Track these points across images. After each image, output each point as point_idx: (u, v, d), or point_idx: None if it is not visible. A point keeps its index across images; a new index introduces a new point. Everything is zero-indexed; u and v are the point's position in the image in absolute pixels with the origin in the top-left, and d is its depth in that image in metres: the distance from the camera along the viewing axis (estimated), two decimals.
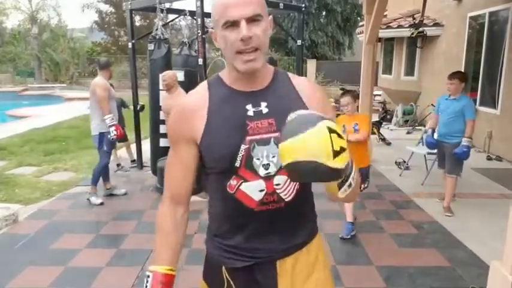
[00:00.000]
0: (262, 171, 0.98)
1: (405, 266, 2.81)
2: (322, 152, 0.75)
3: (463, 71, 7.19)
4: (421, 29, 7.78)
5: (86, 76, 19.57)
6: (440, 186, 4.19)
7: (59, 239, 3.22)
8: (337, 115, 3.46)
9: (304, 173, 0.79)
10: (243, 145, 0.97)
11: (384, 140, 7.08)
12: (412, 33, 7.88)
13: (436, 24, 8.31)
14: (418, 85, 9.35)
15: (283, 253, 1.05)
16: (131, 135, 5.35)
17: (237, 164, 0.98)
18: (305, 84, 1.08)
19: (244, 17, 0.92)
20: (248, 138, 0.98)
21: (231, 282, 1.06)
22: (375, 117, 7.80)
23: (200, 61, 4.11)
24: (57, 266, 2.78)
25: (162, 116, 4.45)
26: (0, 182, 4.70)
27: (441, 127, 3.81)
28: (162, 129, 4.56)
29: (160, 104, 4.41)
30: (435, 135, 3.90)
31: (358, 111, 3.66)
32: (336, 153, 0.76)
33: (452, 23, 7.84)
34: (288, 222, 1.04)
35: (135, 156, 5.40)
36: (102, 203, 3.98)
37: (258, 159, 0.98)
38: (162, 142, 4.69)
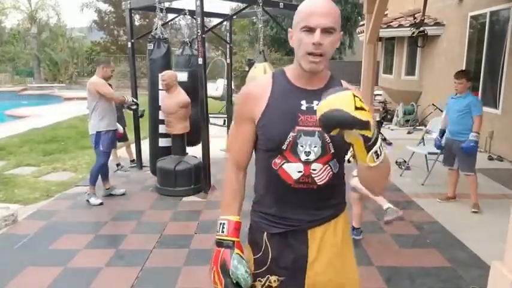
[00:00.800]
0: (303, 157, 1.17)
1: (406, 267, 2.80)
2: (346, 104, 0.96)
3: (465, 69, 7.21)
4: (422, 29, 7.77)
5: (85, 76, 19.54)
6: (441, 186, 4.18)
7: (58, 239, 3.21)
8: None
9: (333, 119, 0.97)
10: (291, 132, 1.16)
11: (384, 140, 7.06)
12: (413, 33, 7.87)
13: (437, 24, 8.29)
14: (418, 85, 9.34)
15: (309, 224, 1.23)
16: (131, 135, 5.34)
17: (284, 146, 1.17)
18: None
19: (321, 26, 1.10)
20: (297, 128, 1.16)
21: (268, 245, 1.26)
22: (376, 117, 7.78)
23: (200, 61, 4.10)
24: (57, 266, 2.77)
25: (161, 115, 4.43)
26: None
27: (451, 125, 3.90)
28: (162, 129, 4.54)
29: (160, 104, 4.39)
30: (436, 135, 3.91)
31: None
32: (357, 108, 0.96)
33: (453, 23, 7.82)
34: (316, 202, 1.22)
35: (134, 156, 5.39)
36: (101, 203, 3.97)
37: (302, 146, 1.17)
38: (162, 142, 4.68)
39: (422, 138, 5.26)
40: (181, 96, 4.16)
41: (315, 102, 1.15)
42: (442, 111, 7.19)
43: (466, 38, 7.15)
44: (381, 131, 7.22)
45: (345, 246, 1.29)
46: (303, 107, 1.18)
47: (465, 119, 3.75)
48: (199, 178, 4.32)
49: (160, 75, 4.28)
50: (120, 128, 4.65)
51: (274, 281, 1.26)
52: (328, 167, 1.19)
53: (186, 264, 2.83)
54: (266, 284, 1.27)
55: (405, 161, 5.24)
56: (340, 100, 0.97)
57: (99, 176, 4.19)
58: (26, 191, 4.40)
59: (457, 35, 7.59)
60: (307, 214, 1.23)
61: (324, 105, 0.98)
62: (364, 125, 0.97)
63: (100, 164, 4.02)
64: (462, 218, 3.70)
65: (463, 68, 7.23)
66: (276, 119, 1.18)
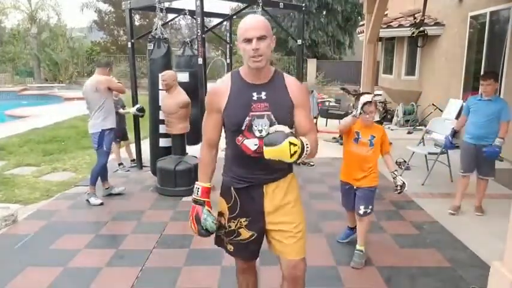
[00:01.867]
0: (257, 134, 1.61)
1: (406, 267, 2.81)
2: (285, 156, 1.43)
3: (464, 69, 7.20)
4: (421, 29, 7.78)
5: (85, 76, 19.52)
6: (440, 186, 4.18)
7: (58, 239, 3.21)
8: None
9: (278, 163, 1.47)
10: (247, 117, 1.61)
11: None
12: (413, 33, 7.88)
13: (437, 24, 8.30)
14: (418, 85, 9.34)
15: (264, 181, 1.70)
16: (131, 135, 5.34)
17: (243, 127, 1.62)
18: (292, 83, 1.68)
19: (255, 36, 1.52)
20: (251, 113, 1.61)
21: (237, 197, 1.74)
22: (376, 117, 7.78)
23: (200, 60, 4.10)
24: (57, 267, 2.77)
25: (161, 116, 4.44)
26: None
27: (477, 129, 3.66)
28: (162, 129, 4.54)
29: (160, 104, 4.39)
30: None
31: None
32: (292, 155, 1.43)
33: (453, 23, 7.82)
34: (268, 166, 1.55)
35: (134, 156, 5.39)
36: (101, 204, 3.97)
37: (255, 126, 1.61)
38: (162, 142, 4.68)
39: (422, 138, 5.26)
40: (182, 96, 4.16)
41: (263, 93, 1.61)
42: (442, 111, 7.21)
43: (466, 38, 7.15)
44: None
45: (290, 198, 1.74)
46: (254, 98, 1.61)
47: (494, 123, 3.57)
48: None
49: (160, 75, 4.28)
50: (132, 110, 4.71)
51: (244, 221, 1.75)
52: None
53: (186, 264, 2.84)
54: (238, 224, 1.75)
55: (405, 161, 5.24)
56: (280, 154, 1.42)
57: (100, 177, 4.20)
58: (26, 191, 4.41)
59: (457, 35, 7.59)
60: (262, 174, 1.67)
61: (270, 152, 1.44)
62: (296, 161, 1.47)
63: (102, 164, 4.01)
64: (462, 218, 3.70)
65: (463, 68, 7.25)
66: (235, 109, 1.62)
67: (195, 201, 1.74)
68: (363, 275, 2.72)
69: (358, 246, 2.88)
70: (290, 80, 1.68)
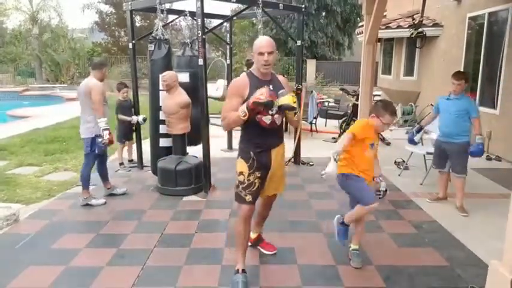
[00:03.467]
0: (270, 112, 2.38)
1: (404, 266, 2.83)
2: (291, 101, 2.32)
3: (462, 70, 7.23)
4: (420, 30, 7.79)
5: (87, 76, 19.52)
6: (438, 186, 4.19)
7: (59, 239, 3.23)
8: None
9: (285, 107, 2.34)
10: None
11: (383, 140, 7.09)
12: (412, 34, 7.89)
13: (436, 25, 8.33)
14: (417, 85, 9.37)
15: (272, 146, 2.54)
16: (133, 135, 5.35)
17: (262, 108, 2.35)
18: (282, 79, 2.59)
19: (267, 51, 2.36)
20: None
21: (255, 158, 2.48)
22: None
23: (200, 61, 4.12)
24: (58, 266, 2.79)
25: (162, 116, 4.46)
26: (1, 182, 4.71)
27: (446, 127, 3.82)
28: (162, 129, 4.57)
29: (161, 104, 4.42)
30: (434, 135, 3.91)
31: None
32: (294, 102, 2.32)
33: (451, 24, 7.85)
34: (277, 134, 2.56)
35: (133, 157, 5.41)
36: (105, 203, 3.96)
37: (269, 107, 2.34)
38: (162, 142, 4.70)
39: (421, 138, 5.27)
40: (182, 96, 4.19)
41: (271, 86, 2.39)
42: None
43: (464, 39, 7.18)
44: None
45: (283, 157, 2.65)
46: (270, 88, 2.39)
47: (462, 120, 3.71)
48: (199, 178, 4.35)
49: (160, 75, 4.30)
50: (136, 119, 4.82)
51: (259, 173, 2.50)
52: (280, 117, 2.46)
53: (186, 263, 2.86)
54: (255, 176, 2.49)
55: (404, 161, 5.26)
56: (288, 100, 2.30)
57: (100, 178, 4.21)
58: (28, 190, 4.43)
59: (455, 36, 7.62)
60: (272, 141, 2.53)
61: (281, 101, 2.31)
62: (295, 109, 2.35)
63: (88, 165, 3.89)
64: (460, 218, 3.72)
65: (462, 69, 7.26)
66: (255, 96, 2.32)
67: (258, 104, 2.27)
68: (362, 274, 2.74)
69: (354, 246, 2.89)
70: (280, 77, 2.60)
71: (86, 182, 3.95)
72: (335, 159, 2.53)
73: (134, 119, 5.06)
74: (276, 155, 2.54)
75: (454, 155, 3.80)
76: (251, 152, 2.46)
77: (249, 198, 2.48)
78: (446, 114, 3.82)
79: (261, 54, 2.33)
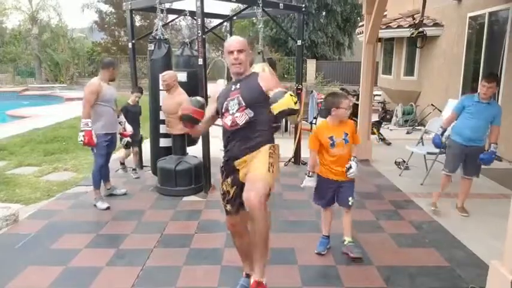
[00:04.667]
0: (231, 111, 2.21)
1: (405, 266, 2.82)
2: (292, 105, 1.97)
3: (463, 70, 7.22)
4: (421, 29, 7.79)
5: (86, 76, 19.57)
6: (439, 186, 4.18)
7: (59, 239, 3.23)
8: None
9: (285, 113, 2.00)
10: (225, 102, 2.24)
11: (383, 140, 7.08)
12: (412, 34, 7.89)
13: (436, 25, 8.31)
14: (417, 85, 9.36)
15: (239, 156, 2.21)
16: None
17: (223, 110, 2.26)
18: (260, 75, 2.29)
19: (236, 49, 2.23)
20: (228, 99, 2.24)
21: (222, 165, 2.34)
22: (375, 117, 7.81)
23: (200, 61, 4.12)
24: (58, 266, 2.79)
25: (162, 116, 4.45)
26: (0, 182, 4.70)
27: (474, 132, 3.61)
28: (162, 129, 4.56)
29: (161, 104, 4.41)
30: (454, 137, 3.73)
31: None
32: (294, 104, 1.96)
33: (452, 23, 7.84)
34: (246, 139, 2.20)
35: (135, 166, 5.28)
36: (108, 208, 3.87)
37: (230, 107, 2.22)
38: (162, 142, 4.69)
39: (421, 138, 5.27)
40: (182, 96, 4.17)
41: (238, 84, 2.24)
42: (441, 111, 7.22)
43: (465, 38, 7.17)
44: (380, 131, 7.26)
45: (257, 160, 2.15)
46: (233, 88, 2.25)
47: (486, 126, 3.59)
48: (199, 178, 4.34)
49: (160, 75, 4.30)
50: (129, 129, 4.46)
51: (230, 180, 2.27)
52: (244, 114, 2.18)
53: (186, 263, 2.85)
54: (227, 183, 2.28)
55: (404, 161, 5.26)
56: (287, 104, 1.96)
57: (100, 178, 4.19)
58: (27, 190, 4.42)
59: (455, 35, 7.61)
60: (237, 150, 2.21)
61: (277, 106, 1.97)
62: (296, 111, 1.99)
63: (99, 165, 3.93)
64: (461, 218, 3.72)
65: (462, 69, 7.26)
66: (220, 97, 2.30)
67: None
68: (362, 274, 2.73)
69: (349, 238, 2.93)
70: (260, 74, 2.31)
71: (95, 182, 3.95)
72: (309, 176, 2.88)
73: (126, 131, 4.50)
74: (243, 166, 2.19)
75: (472, 158, 3.65)
76: (222, 159, 2.32)
77: (228, 207, 2.30)
78: (475, 119, 3.58)
79: (231, 53, 2.22)
